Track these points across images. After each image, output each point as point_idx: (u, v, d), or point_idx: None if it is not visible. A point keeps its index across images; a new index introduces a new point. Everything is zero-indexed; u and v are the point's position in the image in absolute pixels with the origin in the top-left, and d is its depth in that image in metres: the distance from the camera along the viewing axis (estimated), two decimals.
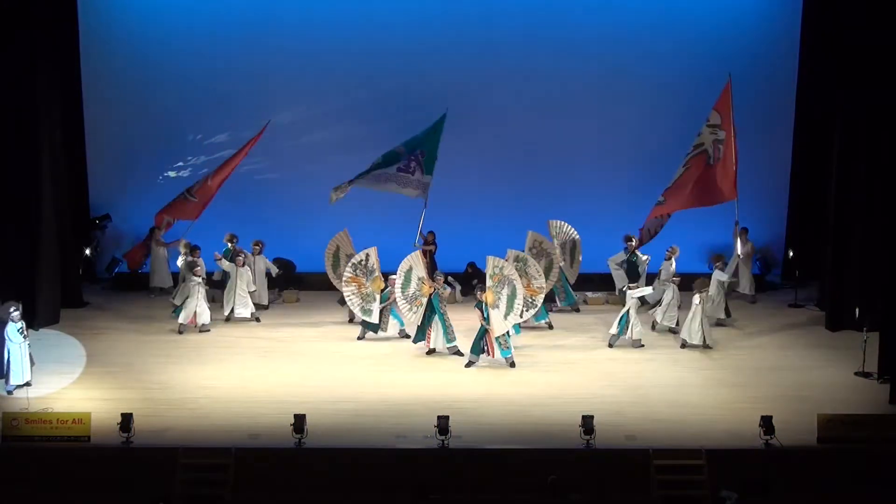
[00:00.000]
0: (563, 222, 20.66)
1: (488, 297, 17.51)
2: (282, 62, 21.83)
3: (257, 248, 20.78)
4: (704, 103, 21.77)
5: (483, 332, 17.61)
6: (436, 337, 18.14)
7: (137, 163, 22.13)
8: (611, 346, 18.67)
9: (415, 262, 18.24)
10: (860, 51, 18.68)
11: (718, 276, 19.46)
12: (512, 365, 17.57)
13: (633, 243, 20.57)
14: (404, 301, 18.17)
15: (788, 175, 22.19)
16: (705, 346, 18.34)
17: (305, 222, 22.05)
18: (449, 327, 18.09)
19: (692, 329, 18.42)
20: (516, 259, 18.22)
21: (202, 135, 22.23)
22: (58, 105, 19.83)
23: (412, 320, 18.29)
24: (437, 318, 18.06)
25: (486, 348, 17.61)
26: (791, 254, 22.04)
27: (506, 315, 17.50)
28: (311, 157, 22.20)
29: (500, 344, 17.54)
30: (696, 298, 18.35)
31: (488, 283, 17.63)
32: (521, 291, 17.53)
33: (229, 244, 20.71)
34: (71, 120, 21.28)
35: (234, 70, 21.87)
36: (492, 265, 17.68)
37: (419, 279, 18.09)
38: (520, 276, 17.74)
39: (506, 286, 17.51)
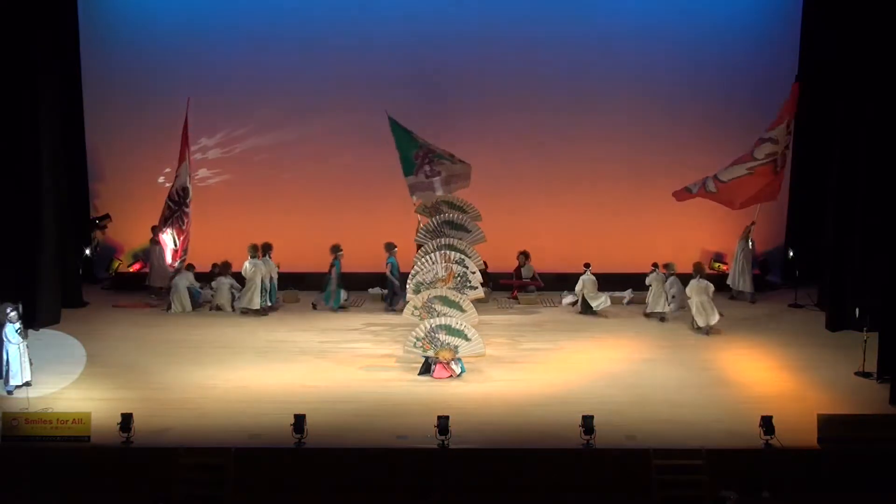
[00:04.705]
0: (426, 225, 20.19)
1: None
2: (281, 62, 21.85)
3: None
4: (702, 103, 21.85)
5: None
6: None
7: (137, 163, 22.13)
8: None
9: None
10: (860, 51, 18.67)
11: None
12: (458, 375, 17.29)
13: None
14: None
15: (789, 175, 22.16)
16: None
17: (305, 222, 22.10)
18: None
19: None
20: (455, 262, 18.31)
21: (201, 135, 22.22)
22: (58, 105, 19.82)
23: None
24: None
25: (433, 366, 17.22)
26: (791, 254, 22.04)
27: None
28: (310, 158, 22.22)
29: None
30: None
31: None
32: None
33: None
34: (71, 120, 21.28)
35: (234, 70, 21.91)
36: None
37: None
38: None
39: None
